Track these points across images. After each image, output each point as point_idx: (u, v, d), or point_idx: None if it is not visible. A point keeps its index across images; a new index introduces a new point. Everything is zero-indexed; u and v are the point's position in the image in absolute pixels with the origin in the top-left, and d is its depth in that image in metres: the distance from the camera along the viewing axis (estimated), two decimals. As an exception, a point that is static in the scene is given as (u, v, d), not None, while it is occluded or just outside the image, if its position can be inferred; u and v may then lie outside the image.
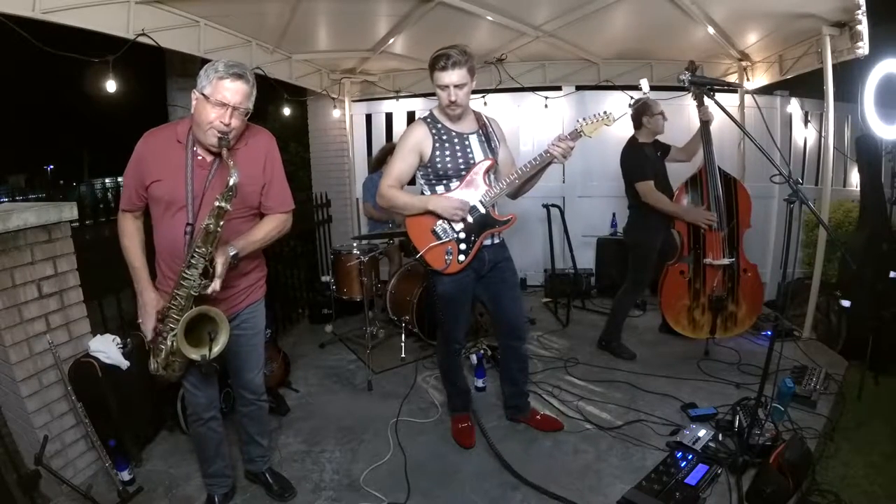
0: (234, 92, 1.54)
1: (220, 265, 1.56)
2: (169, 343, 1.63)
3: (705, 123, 3.02)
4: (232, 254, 1.63)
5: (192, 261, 1.54)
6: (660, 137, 3.29)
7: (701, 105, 3.00)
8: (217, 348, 1.60)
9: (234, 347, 1.86)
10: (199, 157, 1.65)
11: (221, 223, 1.52)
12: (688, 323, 3.14)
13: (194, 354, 1.57)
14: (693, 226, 3.04)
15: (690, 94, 2.84)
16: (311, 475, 2.25)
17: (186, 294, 1.57)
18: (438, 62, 2.02)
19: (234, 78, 1.54)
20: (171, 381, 1.80)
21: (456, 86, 2.04)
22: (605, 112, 2.10)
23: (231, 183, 1.50)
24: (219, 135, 1.54)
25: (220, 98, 1.53)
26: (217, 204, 1.50)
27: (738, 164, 4.46)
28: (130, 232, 1.73)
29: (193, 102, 1.59)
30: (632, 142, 3.22)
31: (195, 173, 1.62)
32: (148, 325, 1.67)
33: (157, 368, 1.69)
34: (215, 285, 1.57)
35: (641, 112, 3.16)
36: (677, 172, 3.30)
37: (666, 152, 3.30)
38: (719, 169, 3.03)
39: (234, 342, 1.84)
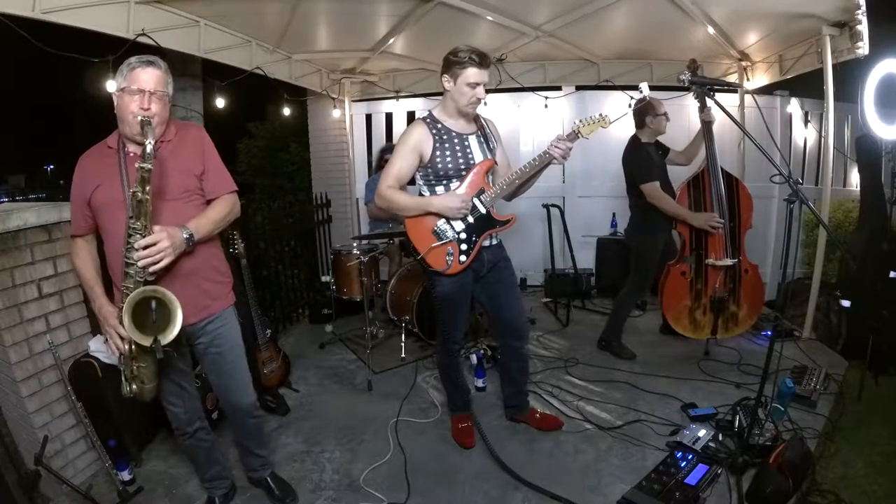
0: (148, 78, 1.60)
1: (157, 230, 1.51)
2: (126, 347, 1.55)
3: (707, 124, 3.01)
4: (186, 235, 1.59)
5: (131, 240, 1.50)
6: (660, 138, 3.28)
7: (703, 107, 2.99)
8: (175, 330, 1.51)
9: (213, 368, 1.83)
10: (132, 155, 1.65)
11: (148, 188, 1.47)
12: (689, 323, 3.14)
13: (145, 340, 1.50)
14: (695, 227, 3.03)
15: (693, 95, 2.83)
16: (311, 475, 2.25)
17: (134, 283, 1.52)
18: (475, 59, 2.01)
19: (145, 65, 1.60)
20: (146, 401, 1.68)
21: (484, 84, 2.07)
22: (601, 114, 2.13)
23: (147, 142, 1.44)
24: (141, 119, 1.54)
25: (137, 85, 1.58)
26: (137, 165, 1.46)
27: (738, 164, 4.45)
28: (83, 255, 1.72)
29: (115, 102, 1.63)
30: (634, 141, 3.20)
31: (129, 170, 1.61)
32: (115, 335, 1.58)
33: (129, 388, 1.60)
34: (160, 254, 1.51)
35: (645, 112, 3.14)
36: (678, 172, 3.30)
37: (665, 153, 3.29)
38: (721, 169, 3.02)
39: (212, 362, 1.82)
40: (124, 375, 1.61)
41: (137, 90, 1.58)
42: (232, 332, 1.85)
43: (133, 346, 1.55)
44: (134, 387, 1.61)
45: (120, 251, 1.57)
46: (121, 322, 1.54)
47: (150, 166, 1.46)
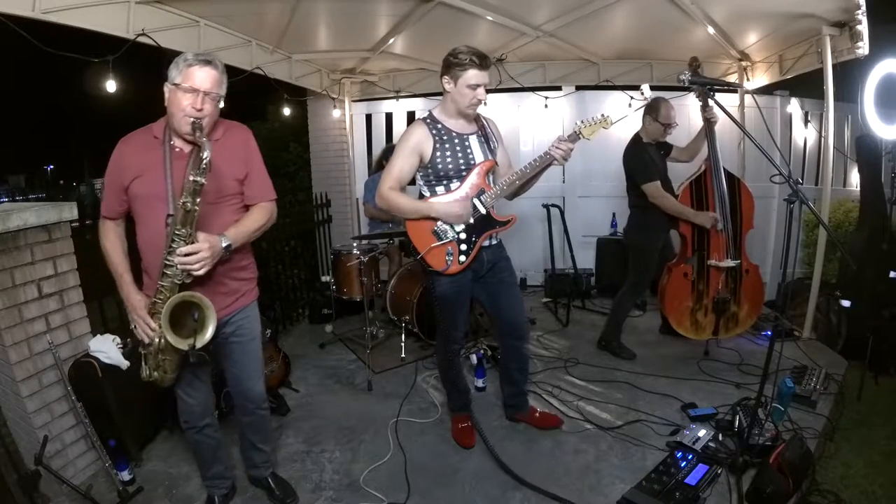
0: (205, 78, 1.58)
1: (201, 239, 1.54)
2: (157, 341, 1.59)
3: (710, 123, 2.99)
4: (225, 245, 1.61)
5: (173, 245, 1.51)
6: None
7: (706, 106, 2.97)
8: (207, 335, 1.56)
9: (230, 356, 1.85)
10: (177, 150, 1.65)
11: (198, 200, 1.49)
12: (690, 325, 3.12)
13: (182, 344, 1.54)
14: (698, 227, 3.01)
15: (695, 95, 2.81)
16: (311, 475, 2.25)
17: (171, 284, 1.54)
18: (475, 60, 2.01)
19: (202, 64, 1.58)
20: (164, 387, 1.74)
21: (485, 86, 2.07)
22: (602, 115, 2.12)
23: (204, 155, 1.47)
24: (192, 120, 1.55)
25: (192, 84, 1.56)
26: (192, 178, 1.47)
27: (738, 164, 4.45)
28: (112, 239, 1.72)
29: (166, 95, 1.61)
30: (635, 141, 3.18)
31: (174, 165, 1.62)
32: (144, 325, 1.61)
33: (149, 374, 1.65)
34: (199, 264, 1.53)
35: (647, 111, 3.12)
36: (680, 170, 3.29)
37: (668, 151, 3.28)
38: (724, 169, 3.01)
39: (231, 351, 1.84)
40: (145, 361, 1.65)
41: (191, 89, 1.56)
42: (254, 323, 1.88)
43: (163, 340, 1.58)
44: (155, 374, 1.65)
45: (154, 241, 1.61)
46: (150, 314, 1.59)
47: (204, 181, 1.48)
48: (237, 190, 1.74)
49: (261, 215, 1.77)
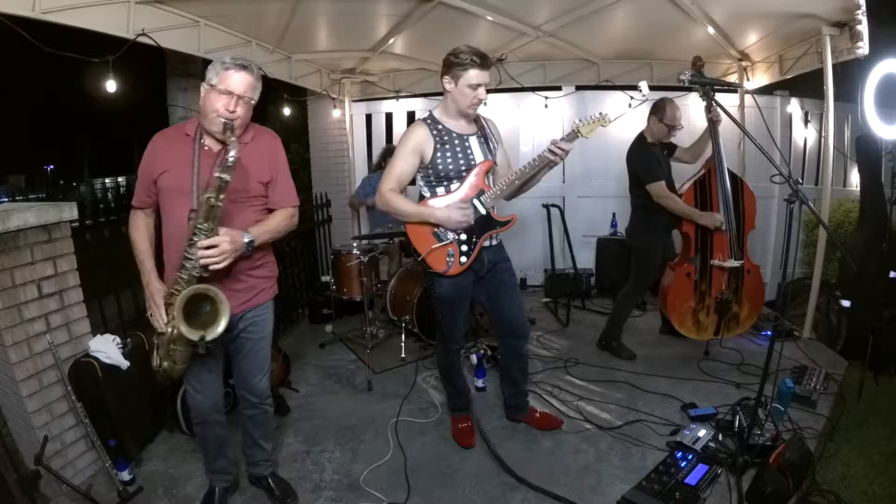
0: (239, 81, 1.64)
1: (222, 233, 1.58)
2: (169, 330, 1.63)
3: (714, 123, 2.96)
4: (247, 240, 1.66)
5: (195, 238, 1.56)
6: None
7: (710, 106, 2.95)
8: (219, 329, 1.58)
9: (239, 351, 1.88)
10: (206, 148, 1.71)
11: (222, 196, 1.54)
12: (692, 325, 3.12)
13: (193, 335, 1.57)
14: (701, 227, 3.00)
15: (699, 95, 2.81)
16: (311, 475, 2.25)
17: (188, 276, 1.58)
18: (476, 60, 2.01)
19: (238, 69, 1.64)
20: (173, 378, 1.78)
21: (485, 85, 2.07)
22: (601, 113, 2.12)
23: (230, 155, 1.53)
24: (223, 121, 1.60)
25: (227, 87, 1.62)
26: (217, 175, 1.52)
27: (738, 164, 4.45)
28: (139, 227, 1.80)
29: (202, 94, 1.67)
30: (640, 140, 3.17)
31: (202, 162, 1.67)
32: (158, 314, 1.67)
33: (159, 364, 1.68)
34: (220, 257, 1.57)
35: (653, 111, 3.10)
36: (682, 170, 3.29)
37: (672, 151, 3.27)
38: (728, 169, 2.99)
39: (240, 346, 1.87)
40: (157, 350, 1.68)
41: (226, 91, 1.62)
42: (267, 321, 1.92)
43: (175, 330, 1.61)
44: (165, 364, 1.68)
45: (174, 234, 1.66)
46: (166, 306, 1.63)
47: (229, 178, 1.53)
48: (261, 192, 1.80)
49: (283, 217, 1.84)
